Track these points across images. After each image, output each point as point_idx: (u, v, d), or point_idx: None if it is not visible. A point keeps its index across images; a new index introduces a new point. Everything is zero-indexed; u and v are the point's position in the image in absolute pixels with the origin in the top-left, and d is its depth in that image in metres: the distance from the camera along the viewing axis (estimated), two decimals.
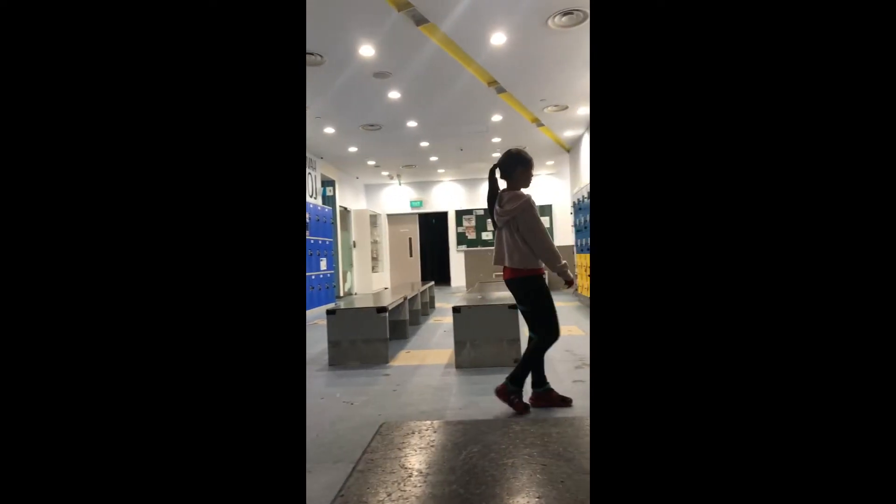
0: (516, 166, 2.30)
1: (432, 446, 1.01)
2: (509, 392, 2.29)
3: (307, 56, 3.99)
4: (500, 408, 2.36)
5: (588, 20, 3.60)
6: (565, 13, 3.50)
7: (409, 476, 0.87)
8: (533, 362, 2.32)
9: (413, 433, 1.10)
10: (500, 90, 5.03)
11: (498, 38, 3.85)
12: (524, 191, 2.33)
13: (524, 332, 3.40)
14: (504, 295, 3.90)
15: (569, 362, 3.21)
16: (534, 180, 2.40)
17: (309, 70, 4.26)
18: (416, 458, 0.95)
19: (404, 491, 0.81)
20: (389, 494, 0.80)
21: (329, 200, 8.44)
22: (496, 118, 6.05)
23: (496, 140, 7.16)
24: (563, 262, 2.20)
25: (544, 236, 2.21)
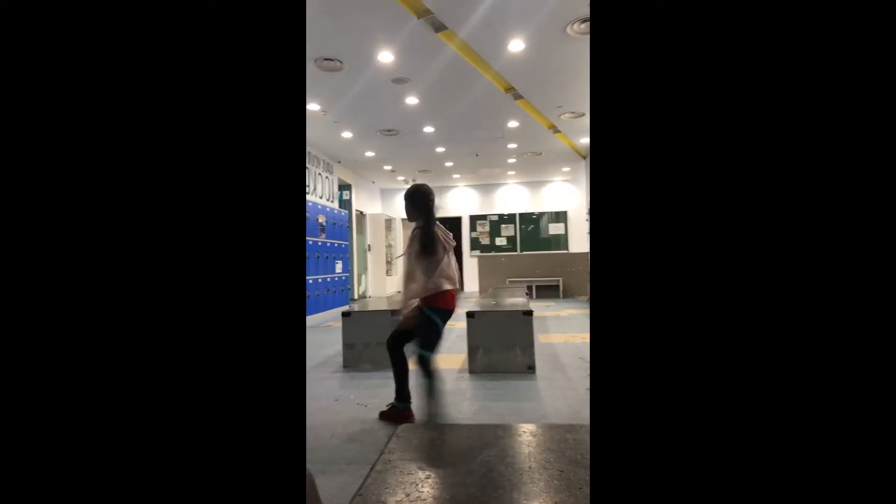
0: (409, 206, 2.37)
1: (449, 450, 1.02)
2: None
3: (327, 62, 4.05)
4: (515, 413, 2.36)
5: None
6: (584, 20, 3.50)
7: (427, 478, 0.88)
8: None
9: (429, 436, 1.11)
10: (517, 96, 5.05)
11: (516, 45, 3.87)
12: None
13: (538, 338, 3.39)
14: (518, 301, 3.89)
15: (582, 370, 3.20)
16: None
17: (328, 75, 4.32)
18: (433, 461, 0.96)
19: (422, 492, 0.82)
20: (408, 495, 0.81)
21: (345, 204, 8.52)
22: (512, 124, 6.06)
23: (512, 146, 7.17)
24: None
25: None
